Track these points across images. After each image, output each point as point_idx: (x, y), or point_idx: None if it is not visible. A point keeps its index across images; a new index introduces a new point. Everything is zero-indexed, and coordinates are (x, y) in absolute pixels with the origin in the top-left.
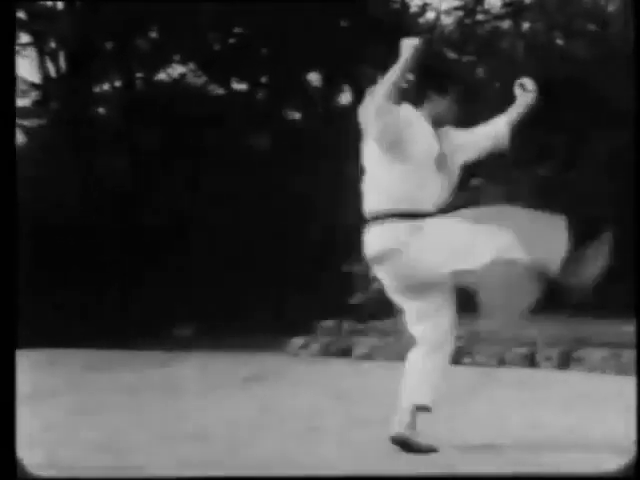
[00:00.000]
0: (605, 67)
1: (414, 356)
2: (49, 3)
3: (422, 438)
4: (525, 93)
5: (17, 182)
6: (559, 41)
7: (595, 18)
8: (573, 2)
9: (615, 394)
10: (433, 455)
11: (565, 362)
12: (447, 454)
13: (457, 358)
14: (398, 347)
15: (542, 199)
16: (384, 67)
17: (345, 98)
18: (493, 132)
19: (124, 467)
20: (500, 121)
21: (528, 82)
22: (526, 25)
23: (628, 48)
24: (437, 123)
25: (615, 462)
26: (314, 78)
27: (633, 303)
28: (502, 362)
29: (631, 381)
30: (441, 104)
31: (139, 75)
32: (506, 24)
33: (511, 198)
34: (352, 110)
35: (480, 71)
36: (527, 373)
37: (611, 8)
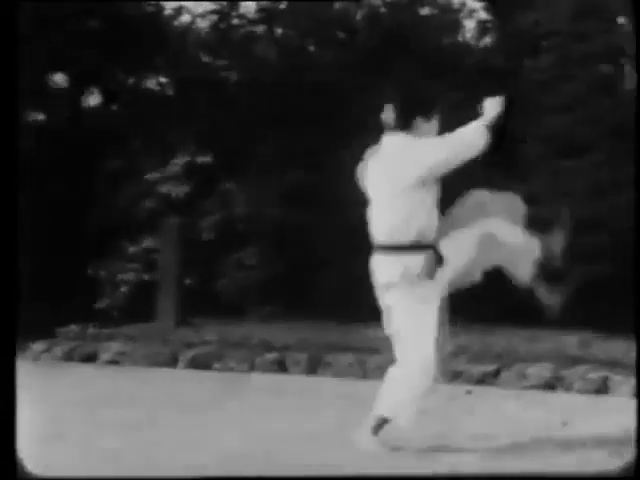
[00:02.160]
0: (353, 73)
1: None
2: None
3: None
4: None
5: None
6: (310, 47)
7: (344, 26)
8: (324, 10)
9: (362, 398)
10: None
11: (313, 367)
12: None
13: (208, 363)
14: (145, 352)
15: (292, 204)
16: (134, 70)
17: (93, 100)
18: (467, 136)
19: None
20: (473, 124)
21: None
22: (279, 30)
23: (376, 55)
24: None
25: (615, 462)
26: (60, 79)
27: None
28: (253, 367)
29: (376, 385)
30: (426, 128)
31: None
32: (260, 29)
33: (260, 202)
34: (101, 111)
35: (233, 74)
36: (278, 378)
37: (359, 16)
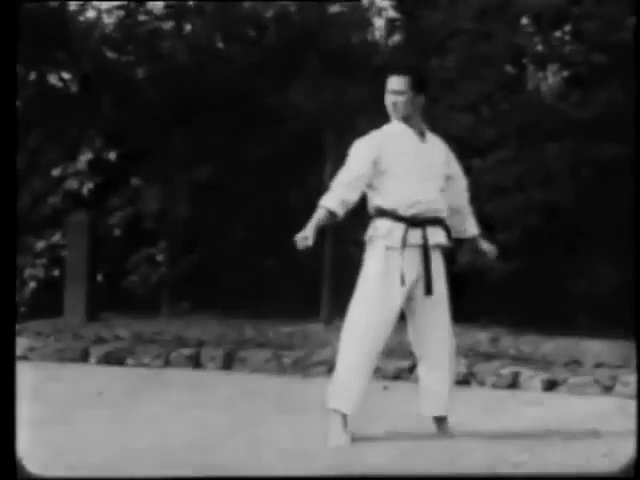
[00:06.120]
0: (262, 70)
1: None
2: None
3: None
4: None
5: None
6: (219, 44)
7: (254, 23)
8: (233, 7)
9: (279, 394)
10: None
11: (229, 363)
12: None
13: (121, 359)
14: (56, 347)
15: (198, 201)
16: (35, 67)
17: None
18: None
19: None
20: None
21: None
22: (188, 27)
23: (285, 53)
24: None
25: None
26: None
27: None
28: (167, 363)
29: (293, 380)
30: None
31: None
32: (168, 25)
33: (168, 199)
34: None
35: (140, 72)
36: (192, 374)
37: (269, 14)
